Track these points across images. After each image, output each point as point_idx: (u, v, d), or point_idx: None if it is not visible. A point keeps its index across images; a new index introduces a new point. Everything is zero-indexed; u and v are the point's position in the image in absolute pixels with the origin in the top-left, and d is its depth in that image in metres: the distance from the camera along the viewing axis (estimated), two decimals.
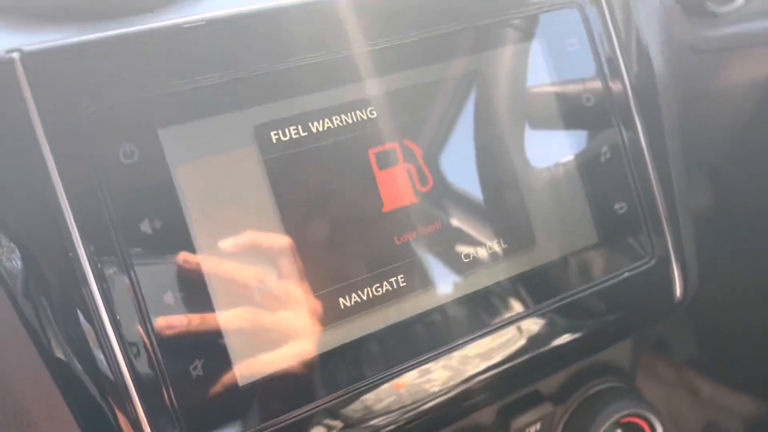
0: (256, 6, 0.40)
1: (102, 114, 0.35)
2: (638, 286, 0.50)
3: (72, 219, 0.35)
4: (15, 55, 0.34)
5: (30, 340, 0.35)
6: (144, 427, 0.36)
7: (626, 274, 0.49)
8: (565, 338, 0.48)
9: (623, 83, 0.50)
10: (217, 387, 0.37)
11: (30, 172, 0.35)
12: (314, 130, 0.40)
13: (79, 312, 0.35)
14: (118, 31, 0.36)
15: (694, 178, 0.54)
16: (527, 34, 0.47)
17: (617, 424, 0.52)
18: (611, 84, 0.49)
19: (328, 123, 0.41)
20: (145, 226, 0.36)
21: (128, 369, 0.35)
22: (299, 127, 0.40)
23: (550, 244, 0.47)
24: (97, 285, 0.35)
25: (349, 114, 0.41)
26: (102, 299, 0.35)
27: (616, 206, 0.49)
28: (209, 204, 0.38)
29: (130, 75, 0.36)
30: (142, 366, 0.36)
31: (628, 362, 0.57)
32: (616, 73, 0.50)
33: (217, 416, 0.37)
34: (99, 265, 0.35)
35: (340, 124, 0.41)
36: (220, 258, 0.38)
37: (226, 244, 0.38)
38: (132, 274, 0.35)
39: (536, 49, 0.47)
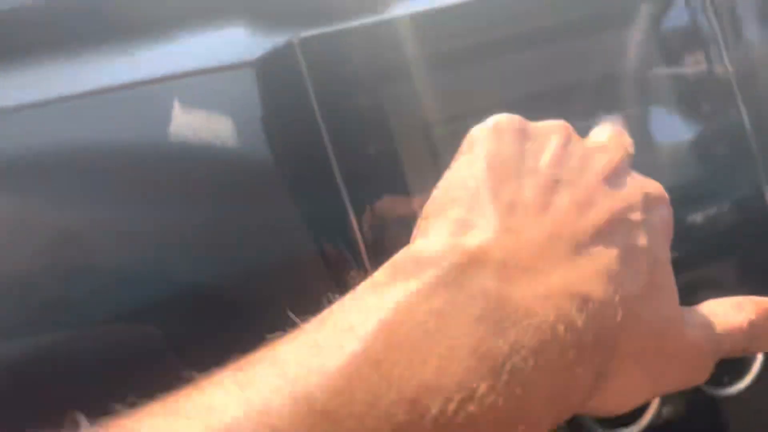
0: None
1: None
2: (737, 213, 0.63)
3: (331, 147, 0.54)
4: (295, 39, 0.54)
5: None
6: None
7: (727, 203, 0.63)
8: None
9: (723, 60, 0.63)
10: None
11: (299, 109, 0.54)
12: None
13: None
14: (362, 21, 0.55)
15: None
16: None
17: None
18: (713, 59, 0.63)
19: None
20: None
21: None
22: None
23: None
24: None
25: None
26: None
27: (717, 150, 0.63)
28: None
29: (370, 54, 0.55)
30: None
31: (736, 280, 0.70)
32: (716, 50, 0.63)
33: None
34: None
35: None
36: None
37: None
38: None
39: (643, 29, 0.62)
